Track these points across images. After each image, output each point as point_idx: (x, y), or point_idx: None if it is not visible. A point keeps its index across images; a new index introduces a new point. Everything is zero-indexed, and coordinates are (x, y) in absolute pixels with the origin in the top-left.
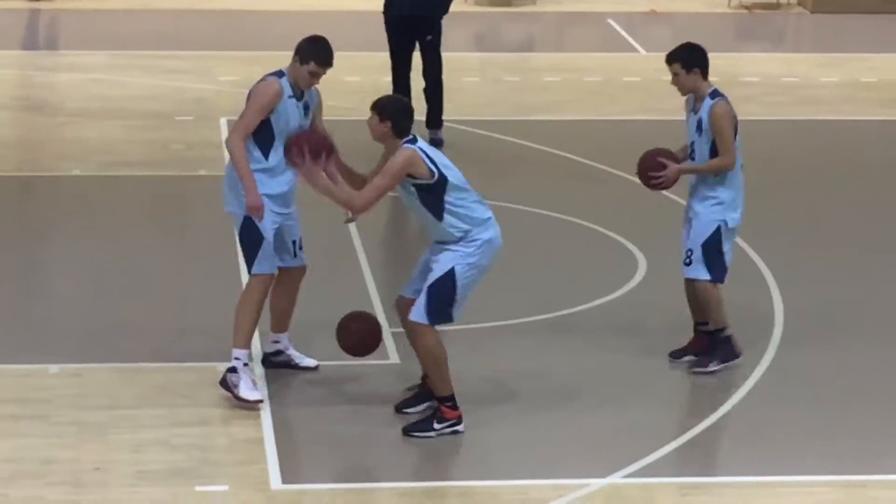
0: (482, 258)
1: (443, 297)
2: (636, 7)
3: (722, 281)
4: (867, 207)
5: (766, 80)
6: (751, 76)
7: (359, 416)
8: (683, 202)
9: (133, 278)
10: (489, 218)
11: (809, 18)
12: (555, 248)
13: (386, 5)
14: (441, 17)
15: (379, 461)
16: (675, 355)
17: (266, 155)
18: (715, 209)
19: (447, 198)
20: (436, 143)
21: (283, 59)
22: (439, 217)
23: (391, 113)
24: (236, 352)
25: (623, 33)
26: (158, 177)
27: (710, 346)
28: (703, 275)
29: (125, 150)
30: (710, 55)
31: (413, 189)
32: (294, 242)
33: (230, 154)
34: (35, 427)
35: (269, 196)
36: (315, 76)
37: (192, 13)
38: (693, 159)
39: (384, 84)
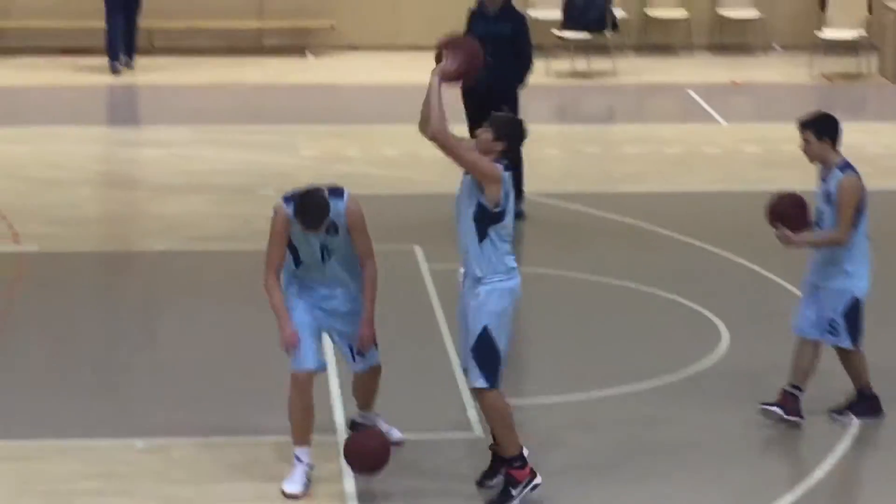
0: (508, 305)
1: (489, 358)
2: (716, 78)
3: (860, 346)
4: None
5: (849, 150)
6: None
7: (440, 490)
8: (766, 274)
9: (217, 352)
10: (515, 268)
11: (891, 88)
12: (638, 319)
13: None
14: (517, 89)
15: None
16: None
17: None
18: (842, 279)
19: (492, 231)
20: (516, 215)
21: (364, 132)
22: (481, 238)
23: (507, 136)
24: (294, 448)
25: (703, 104)
26: (241, 251)
27: (858, 403)
28: (846, 343)
29: (208, 225)
30: (790, 126)
31: (475, 202)
32: (351, 348)
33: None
34: (120, 503)
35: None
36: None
37: (275, 88)
38: (820, 227)
39: None
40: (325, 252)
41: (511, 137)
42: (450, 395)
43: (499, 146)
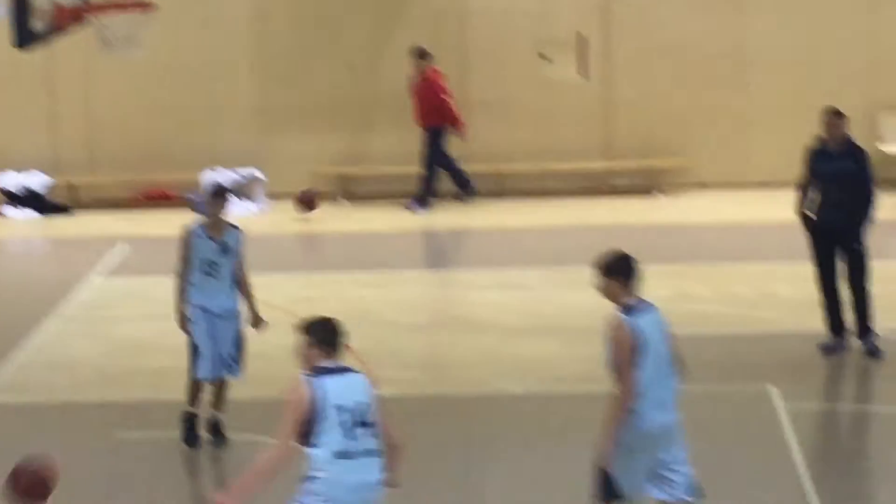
0: None
1: None
2: None
3: None
4: None
5: None
6: None
7: None
8: None
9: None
10: None
11: None
12: None
13: (815, 218)
14: (864, 226)
15: None
16: None
17: None
18: None
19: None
20: (871, 352)
21: (714, 271)
22: None
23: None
24: None
25: None
26: (596, 393)
27: None
28: None
29: (561, 367)
30: None
31: None
32: None
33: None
34: None
35: None
36: None
37: (624, 228)
38: None
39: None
40: None
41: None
42: None
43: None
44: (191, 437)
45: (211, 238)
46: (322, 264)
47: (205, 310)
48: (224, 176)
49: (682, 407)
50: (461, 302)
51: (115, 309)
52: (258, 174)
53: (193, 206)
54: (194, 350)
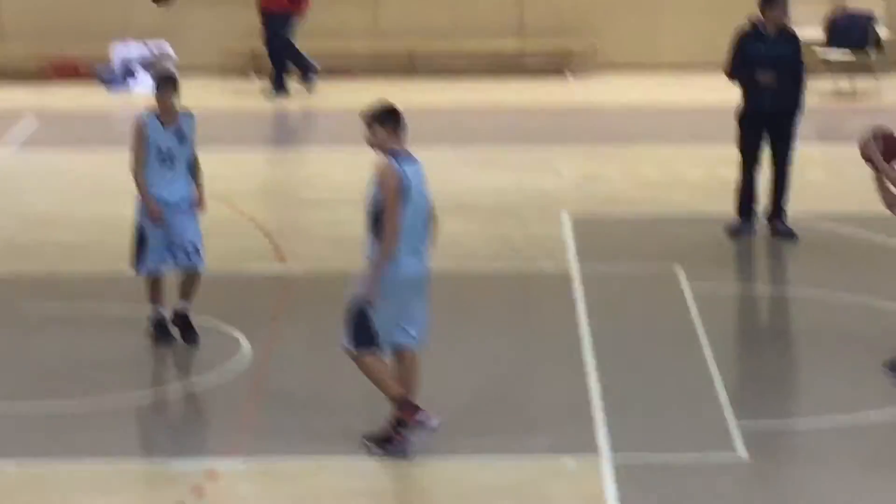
0: None
1: None
2: None
3: None
4: None
5: None
6: None
7: None
8: None
9: (479, 369)
10: None
11: None
12: None
13: (749, 103)
14: (799, 111)
15: None
16: None
17: None
18: None
19: None
20: (787, 234)
21: (624, 152)
22: None
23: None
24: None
25: None
26: (503, 272)
27: None
28: None
29: (472, 245)
30: None
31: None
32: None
33: None
34: None
35: None
36: None
37: (535, 109)
38: None
39: (724, 176)
40: None
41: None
42: (713, 414)
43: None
44: (163, 339)
45: (165, 126)
46: (236, 141)
47: (162, 201)
48: (134, 49)
49: (592, 284)
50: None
51: (23, 182)
52: (168, 48)
53: (102, 79)
54: (140, 241)
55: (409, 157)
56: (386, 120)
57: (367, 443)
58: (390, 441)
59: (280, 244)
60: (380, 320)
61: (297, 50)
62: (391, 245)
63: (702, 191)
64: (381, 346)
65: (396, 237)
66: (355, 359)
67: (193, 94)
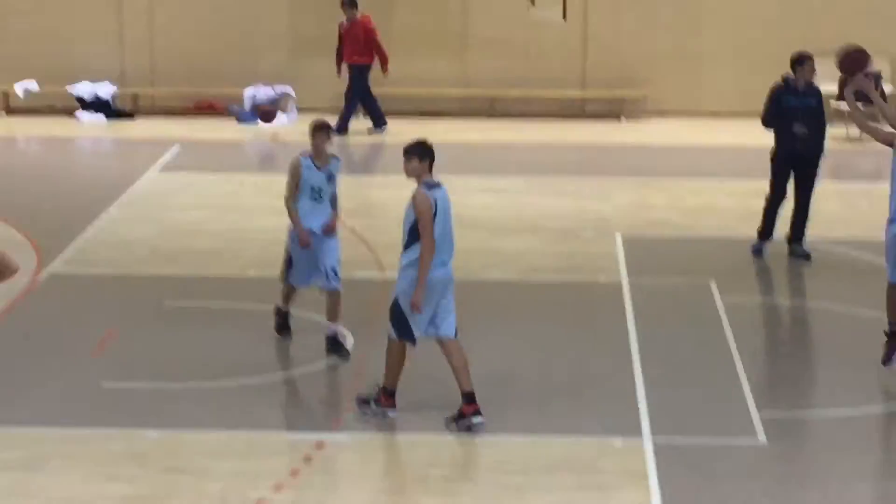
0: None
1: None
2: None
3: None
4: None
5: None
6: None
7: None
8: None
9: (542, 362)
10: None
11: None
12: None
13: (782, 147)
14: (822, 155)
15: None
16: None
17: None
18: None
19: None
20: (805, 256)
21: (669, 184)
22: None
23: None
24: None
25: None
26: (564, 282)
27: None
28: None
29: (538, 261)
30: None
31: None
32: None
33: None
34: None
35: None
36: None
37: (594, 147)
38: None
39: (752, 206)
40: None
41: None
42: (738, 405)
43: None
44: (282, 328)
45: (318, 168)
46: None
47: (310, 231)
48: (262, 91)
49: (639, 294)
50: (456, 203)
51: (169, 199)
52: (290, 91)
53: (235, 116)
54: (289, 261)
55: (439, 185)
56: (423, 155)
57: (359, 397)
58: (367, 403)
59: (379, 256)
60: (419, 319)
61: (375, 100)
62: (428, 255)
63: (734, 217)
64: (415, 342)
65: (432, 248)
66: (390, 342)
67: (305, 129)
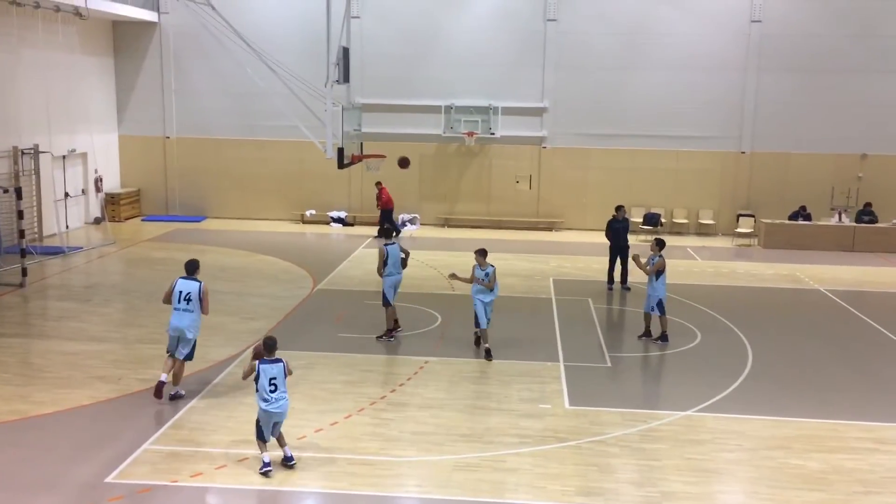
0: None
1: None
2: None
3: None
4: None
5: None
6: None
7: None
8: None
9: (516, 331)
10: None
11: None
12: None
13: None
14: None
15: None
16: None
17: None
18: None
19: None
20: (626, 288)
21: (574, 258)
22: None
23: None
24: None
25: None
26: (527, 297)
27: None
28: None
29: (516, 287)
30: None
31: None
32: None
33: None
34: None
35: None
36: None
37: (540, 241)
38: None
39: (604, 266)
40: None
41: None
42: (599, 351)
43: None
44: (388, 336)
45: (399, 248)
46: (460, 248)
47: (395, 281)
48: (404, 216)
49: (559, 305)
50: (493, 262)
51: (365, 259)
52: (417, 217)
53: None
54: (386, 300)
55: (488, 266)
56: (481, 252)
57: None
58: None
59: (448, 279)
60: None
61: (395, 223)
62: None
63: (599, 272)
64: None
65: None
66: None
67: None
